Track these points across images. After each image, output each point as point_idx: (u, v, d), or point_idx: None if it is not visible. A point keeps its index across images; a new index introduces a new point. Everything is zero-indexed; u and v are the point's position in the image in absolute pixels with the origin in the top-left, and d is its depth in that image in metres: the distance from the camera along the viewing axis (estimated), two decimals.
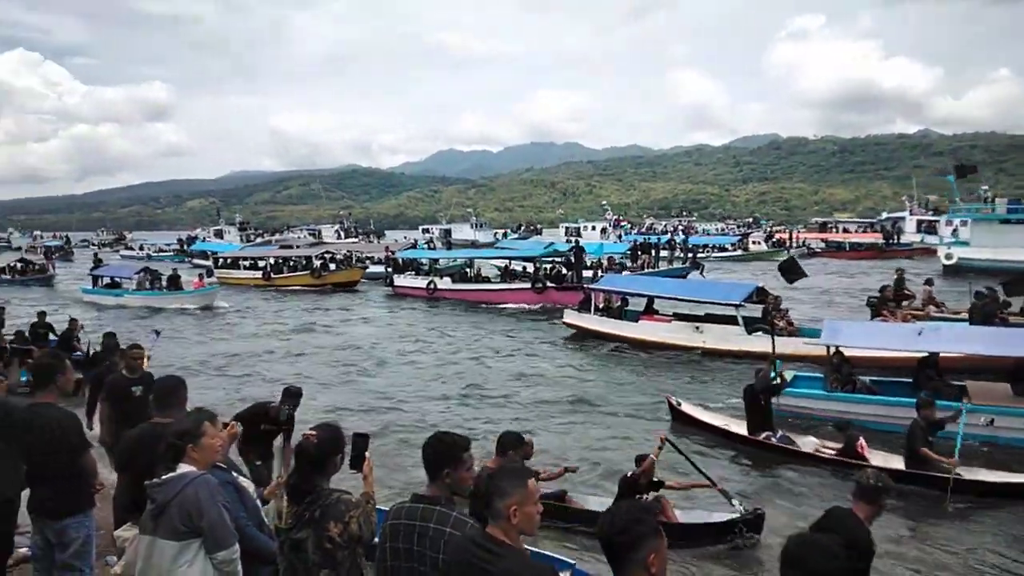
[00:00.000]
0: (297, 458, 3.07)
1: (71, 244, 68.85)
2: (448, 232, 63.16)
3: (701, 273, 30.83)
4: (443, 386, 14.15)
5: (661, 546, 2.11)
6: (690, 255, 36.48)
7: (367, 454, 3.20)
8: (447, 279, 29.49)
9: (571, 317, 19.56)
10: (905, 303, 16.56)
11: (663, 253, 35.49)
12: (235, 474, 3.62)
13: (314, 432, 3.07)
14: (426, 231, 68.73)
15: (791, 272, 16.41)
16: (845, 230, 55.26)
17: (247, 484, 3.63)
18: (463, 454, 2.88)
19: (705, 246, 47.84)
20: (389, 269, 33.19)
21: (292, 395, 6.66)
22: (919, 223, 49.65)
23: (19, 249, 56.88)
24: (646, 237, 42.15)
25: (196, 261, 47.37)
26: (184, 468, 3.09)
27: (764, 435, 9.26)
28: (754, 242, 50.49)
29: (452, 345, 18.77)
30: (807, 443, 9.18)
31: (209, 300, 27.58)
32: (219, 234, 65.07)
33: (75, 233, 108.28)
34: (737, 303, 15.82)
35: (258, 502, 3.59)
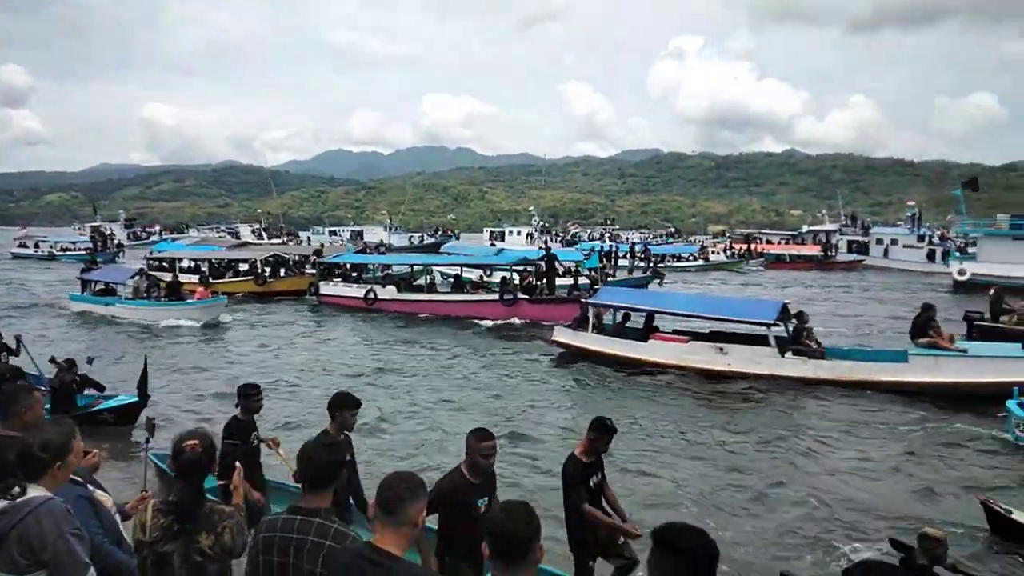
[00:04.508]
0: (185, 470, 2.96)
1: None
2: (359, 234, 59.65)
3: (661, 283, 29.98)
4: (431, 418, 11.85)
5: None
6: (650, 264, 35.73)
7: (236, 463, 3.29)
8: (391, 288, 26.58)
9: (563, 335, 17.56)
10: (1004, 319, 16.15)
11: (621, 262, 34.40)
12: (90, 487, 3.36)
13: (195, 441, 2.99)
14: (333, 232, 64.71)
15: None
16: (768, 242, 57.27)
17: (104, 497, 3.44)
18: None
19: (665, 256, 47.98)
20: (313, 273, 29.58)
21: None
22: (850, 243, 50.64)
23: None
24: (603, 246, 40.76)
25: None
26: (32, 492, 2.72)
27: None
28: (714, 252, 51.48)
29: (419, 368, 16.14)
30: None
31: (215, 313, 23.29)
32: (97, 231, 57.50)
33: None
34: (770, 322, 14.62)
35: (116, 517, 3.43)
